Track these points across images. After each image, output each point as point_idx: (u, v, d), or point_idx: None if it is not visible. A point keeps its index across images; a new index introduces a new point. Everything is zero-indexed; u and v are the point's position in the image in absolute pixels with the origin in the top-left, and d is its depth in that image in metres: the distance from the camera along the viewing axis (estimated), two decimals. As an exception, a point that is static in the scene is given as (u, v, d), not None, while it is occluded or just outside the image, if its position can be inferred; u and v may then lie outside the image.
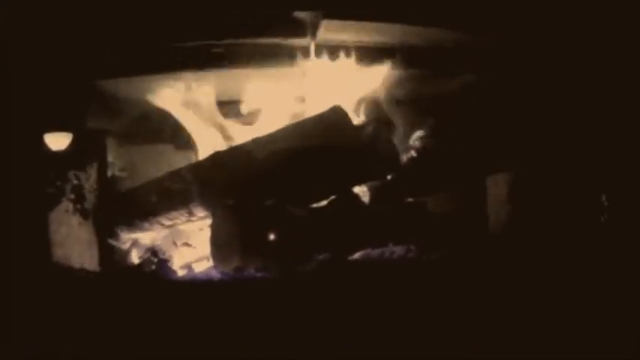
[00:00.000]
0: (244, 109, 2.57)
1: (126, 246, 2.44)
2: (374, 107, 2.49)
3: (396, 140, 2.41)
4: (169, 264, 2.22)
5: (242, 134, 2.47)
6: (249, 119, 2.55)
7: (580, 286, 1.95)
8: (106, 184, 2.43)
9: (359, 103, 2.48)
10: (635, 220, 2.24)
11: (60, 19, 2.21)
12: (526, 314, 1.89)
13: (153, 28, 2.27)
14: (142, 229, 2.42)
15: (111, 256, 2.40)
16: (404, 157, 2.44)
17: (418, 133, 2.49)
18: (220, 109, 2.53)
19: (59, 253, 2.26)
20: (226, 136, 2.51)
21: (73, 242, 2.32)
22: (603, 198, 2.29)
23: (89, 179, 2.36)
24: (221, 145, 2.44)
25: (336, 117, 2.27)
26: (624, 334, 1.86)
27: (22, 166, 2.15)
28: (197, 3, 2.26)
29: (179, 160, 2.59)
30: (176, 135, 2.62)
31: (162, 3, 2.25)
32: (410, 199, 2.43)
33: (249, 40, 2.32)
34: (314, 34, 2.31)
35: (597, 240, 2.20)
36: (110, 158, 2.54)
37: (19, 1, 2.17)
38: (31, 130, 2.20)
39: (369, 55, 2.38)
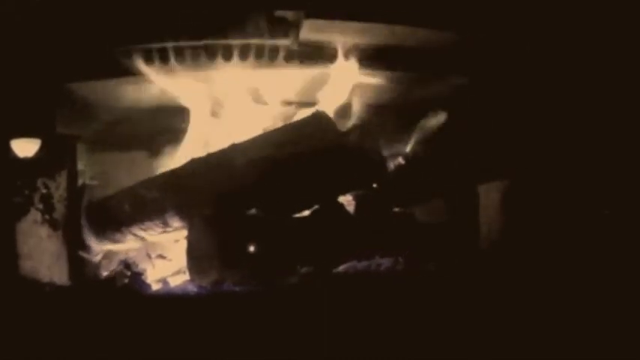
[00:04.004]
0: (223, 111, 2.54)
1: (97, 258, 2.39)
2: (359, 112, 2.46)
3: (383, 147, 2.38)
4: (143, 277, 2.18)
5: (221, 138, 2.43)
6: (226, 123, 2.53)
7: (574, 297, 1.92)
8: (76, 193, 2.38)
9: (343, 107, 2.46)
10: (632, 228, 2.22)
11: (28, 21, 2.19)
12: (521, 326, 1.86)
13: (125, 30, 2.25)
14: (114, 241, 2.37)
15: (81, 269, 2.35)
16: (391, 165, 2.43)
17: (406, 139, 2.48)
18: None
19: (27, 266, 2.22)
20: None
21: (42, 254, 2.27)
22: (599, 207, 2.28)
23: (58, 188, 2.31)
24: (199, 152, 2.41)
25: (319, 122, 2.24)
26: (620, 343, 1.84)
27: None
28: (174, 3, 2.24)
29: (153, 168, 2.54)
30: (150, 141, 2.61)
31: (134, 5, 2.23)
32: (397, 209, 2.40)
33: (228, 41, 2.31)
34: (297, 34, 2.30)
35: (592, 249, 2.16)
36: (81, 166, 2.49)
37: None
38: (-3, 136, 2.16)
39: (355, 56, 2.37)
